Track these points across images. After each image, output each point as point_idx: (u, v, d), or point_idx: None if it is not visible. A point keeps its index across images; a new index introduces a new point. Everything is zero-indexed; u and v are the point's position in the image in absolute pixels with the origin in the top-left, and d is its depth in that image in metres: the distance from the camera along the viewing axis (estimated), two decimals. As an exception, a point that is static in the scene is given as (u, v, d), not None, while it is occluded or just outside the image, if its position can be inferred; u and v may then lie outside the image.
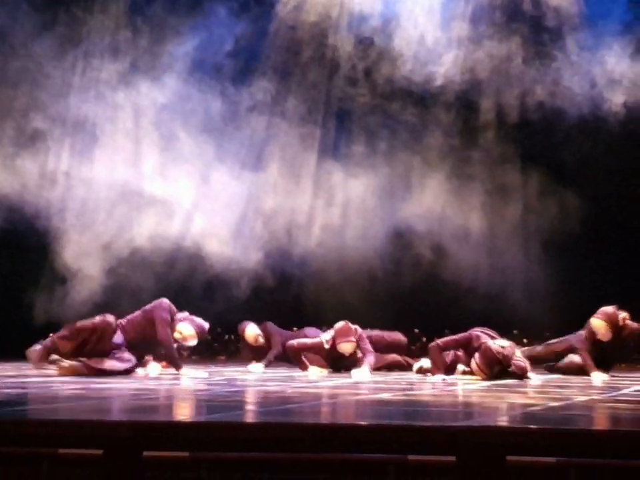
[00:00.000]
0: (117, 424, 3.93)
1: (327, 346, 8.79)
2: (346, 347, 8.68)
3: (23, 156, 10.66)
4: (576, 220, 10.77)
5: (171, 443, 3.70)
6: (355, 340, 8.66)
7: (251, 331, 9.85)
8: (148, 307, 8.32)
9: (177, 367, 8.02)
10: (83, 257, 10.49)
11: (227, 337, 12.60)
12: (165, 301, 8.31)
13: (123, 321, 8.26)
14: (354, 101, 11.32)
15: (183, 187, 10.58)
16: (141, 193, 10.49)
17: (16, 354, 10.25)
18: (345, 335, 8.69)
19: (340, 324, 8.79)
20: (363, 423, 4.10)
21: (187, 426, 3.90)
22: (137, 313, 8.35)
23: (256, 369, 8.99)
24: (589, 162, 10.75)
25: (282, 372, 8.83)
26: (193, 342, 8.35)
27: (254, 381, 7.42)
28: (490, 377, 7.52)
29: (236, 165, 10.94)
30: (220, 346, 12.56)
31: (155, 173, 10.64)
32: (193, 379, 7.56)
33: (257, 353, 9.79)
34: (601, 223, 10.67)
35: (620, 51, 10.58)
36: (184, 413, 4.80)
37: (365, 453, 3.61)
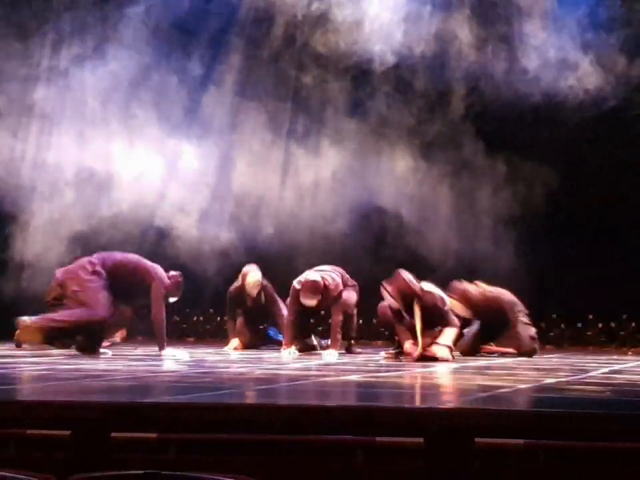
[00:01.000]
0: (84, 404, 3.90)
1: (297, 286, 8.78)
2: (308, 302, 8.71)
3: None
4: (541, 199, 10.86)
5: (139, 424, 3.68)
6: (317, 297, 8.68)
7: (255, 277, 9.59)
8: (146, 265, 8.14)
9: (161, 347, 7.94)
10: (49, 240, 10.39)
11: (195, 318, 12.59)
12: (163, 273, 8.16)
13: (105, 256, 8.13)
14: (314, 80, 11.28)
15: (150, 166, 10.48)
16: (108, 175, 10.38)
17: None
18: (309, 290, 8.70)
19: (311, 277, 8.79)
20: (330, 404, 4.10)
21: (155, 407, 3.88)
22: (129, 259, 8.17)
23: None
24: (549, 145, 10.82)
25: (252, 354, 8.83)
26: (174, 298, 8.32)
27: (223, 362, 7.41)
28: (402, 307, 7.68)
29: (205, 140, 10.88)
30: (189, 327, 12.55)
31: (121, 154, 10.53)
32: (175, 360, 7.51)
33: (249, 314, 9.61)
34: (569, 202, 10.78)
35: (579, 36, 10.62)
36: (152, 393, 4.78)
37: (333, 435, 3.61)
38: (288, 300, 8.98)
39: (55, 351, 8.46)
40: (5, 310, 9.95)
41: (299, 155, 10.96)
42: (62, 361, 7.09)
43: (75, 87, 10.72)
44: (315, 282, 8.69)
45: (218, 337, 11.99)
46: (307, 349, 9.11)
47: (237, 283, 9.80)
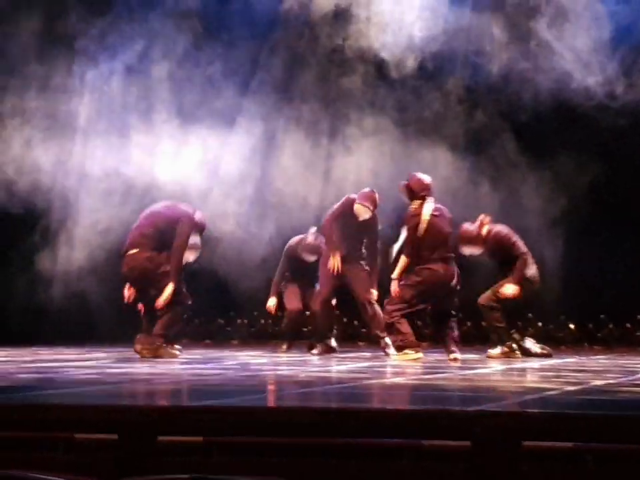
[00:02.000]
0: (131, 408, 3.93)
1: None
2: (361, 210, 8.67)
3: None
4: (586, 197, 10.80)
5: (185, 428, 3.70)
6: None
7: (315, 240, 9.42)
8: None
9: (174, 280, 7.96)
10: (95, 249, 10.49)
11: (239, 320, 12.63)
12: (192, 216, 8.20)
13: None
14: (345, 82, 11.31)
15: (191, 173, 10.51)
16: (153, 181, 10.41)
17: (29, 339, 10.33)
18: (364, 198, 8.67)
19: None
20: (376, 407, 4.09)
21: (201, 410, 3.90)
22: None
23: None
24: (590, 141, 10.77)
25: (296, 356, 8.84)
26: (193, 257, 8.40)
27: (267, 365, 7.42)
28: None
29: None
30: (233, 330, 12.58)
31: (165, 160, 10.57)
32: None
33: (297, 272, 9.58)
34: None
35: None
36: (198, 397, 4.80)
37: (379, 438, 3.60)
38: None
39: (102, 354, 8.53)
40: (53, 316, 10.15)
41: (339, 155, 10.94)
42: (109, 365, 7.15)
43: (115, 95, 10.80)
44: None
45: (262, 340, 12.03)
46: (328, 350, 9.07)
47: (296, 239, 9.69)
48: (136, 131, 10.60)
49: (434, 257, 7.88)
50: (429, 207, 7.95)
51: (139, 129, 10.60)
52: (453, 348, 7.90)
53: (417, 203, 7.98)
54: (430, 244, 7.88)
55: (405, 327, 7.89)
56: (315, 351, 9.05)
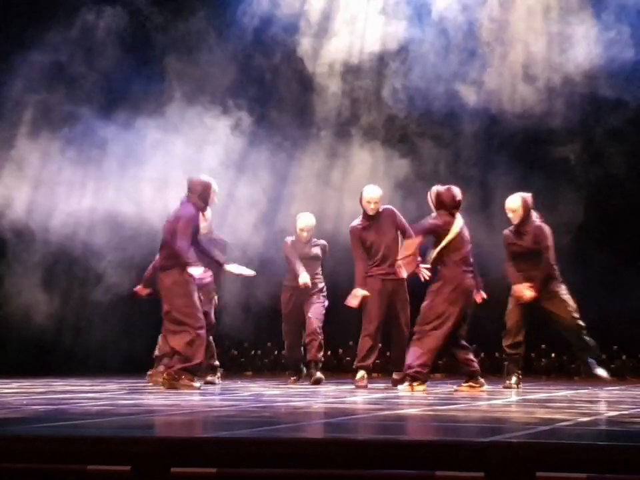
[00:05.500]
0: (145, 440, 3.92)
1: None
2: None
3: None
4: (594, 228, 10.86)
5: (199, 460, 3.69)
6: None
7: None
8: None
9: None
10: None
11: (253, 352, 12.62)
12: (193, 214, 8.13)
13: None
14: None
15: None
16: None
17: (41, 370, 10.35)
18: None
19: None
20: (390, 438, 4.09)
21: (215, 442, 3.90)
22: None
23: None
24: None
25: (306, 387, 8.83)
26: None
27: (281, 396, 7.42)
28: None
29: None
30: (247, 361, 12.58)
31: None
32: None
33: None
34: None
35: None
36: (211, 428, 4.80)
37: (393, 469, 3.59)
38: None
39: (114, 386, 8.54)
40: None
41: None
42: (122, 396, 7.15)
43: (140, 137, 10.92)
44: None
45: (275, 371, 12.02)
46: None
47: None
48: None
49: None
50: (459, 222, 7.99)
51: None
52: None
53: (442, 213, 7.98)
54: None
55: None
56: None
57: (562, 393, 8.01)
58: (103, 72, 11.24)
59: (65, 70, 11.16)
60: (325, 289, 9.46)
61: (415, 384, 7.79)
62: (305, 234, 9.38)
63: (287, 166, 11.39)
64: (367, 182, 9.25)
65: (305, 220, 9.44)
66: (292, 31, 11.33)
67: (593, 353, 8.61)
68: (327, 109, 11.56)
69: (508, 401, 6.82)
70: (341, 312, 9.22)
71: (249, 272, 8.42)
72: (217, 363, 9.11)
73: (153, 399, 6.86)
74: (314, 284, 9.33)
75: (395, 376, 8.72)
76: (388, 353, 11.29)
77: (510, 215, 8.56)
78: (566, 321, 8.48)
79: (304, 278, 9.19)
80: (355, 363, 8.72)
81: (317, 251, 9.46)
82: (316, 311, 9.27)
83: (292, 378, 9.66)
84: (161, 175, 10.49)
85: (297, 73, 11.49)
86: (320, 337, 9.20)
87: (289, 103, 11.63)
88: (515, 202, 8.55)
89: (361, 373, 8.54)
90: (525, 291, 8.40)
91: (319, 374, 9.16)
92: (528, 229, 8.51)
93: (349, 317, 9.25)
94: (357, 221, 8.74)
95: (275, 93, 11.68)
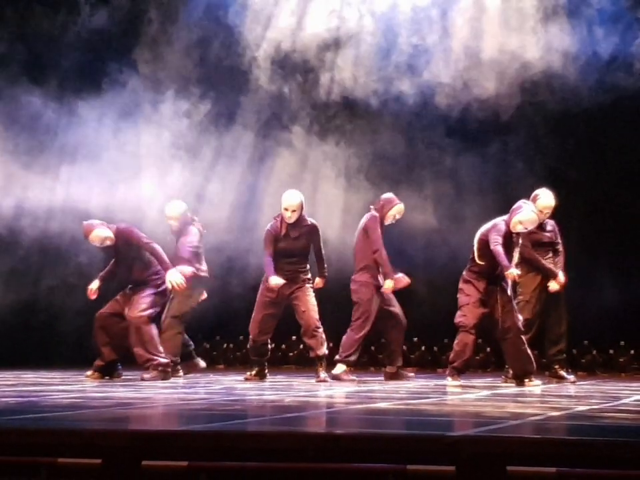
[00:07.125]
0: (115, 433, 3.91)
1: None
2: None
3: None
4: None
5: (170, 453, 3.69)
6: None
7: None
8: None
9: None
10: None
11: (225, 345, 12.60)
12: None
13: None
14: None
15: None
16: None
17: (15, 361, 10.29)
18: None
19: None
20: (361, 432, 4.09)
21: (186, 435, 3.89)
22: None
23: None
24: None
25: (281, 381, 8.82)
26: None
27: (253, 390, 7.41)
28: None
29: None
30: (218, 354, 12.55)
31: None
32: None
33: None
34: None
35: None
36: (182, 421, 4.79)
37: (364, 463, 3.60)
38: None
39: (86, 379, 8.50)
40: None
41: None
42: (93, 389, 7.12)
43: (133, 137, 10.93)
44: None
45: (247, 364, 11.99)
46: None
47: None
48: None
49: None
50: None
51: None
52: None
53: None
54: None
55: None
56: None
57: (533, 388, 8.03)
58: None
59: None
60: (310, 276, 8.71)
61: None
62: (288, 214, 8.42)
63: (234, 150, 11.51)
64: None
65: (289, 198, 8.49)
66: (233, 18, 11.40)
67: None
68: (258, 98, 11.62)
69: (479, 395, 6.84)
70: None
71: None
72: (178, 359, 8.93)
73: (124, 391, 6.83)
74: (297, 277, 8.57)
75: (387, 369, 8.81)
76: (373, 347, 11.34)
77: (548, 212, 8.56)
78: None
79: (274, 280, 8.43)
80: (338, 356, 8.56)
81: (303, 242, 8.58)
82: (308, 304, 8.52)
83: (249, 373, 8.90)
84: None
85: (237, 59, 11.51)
86: (320, 330, 8.51)
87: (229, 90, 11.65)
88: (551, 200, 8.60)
89: (344, 367, 8.54)
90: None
91: (322, 374, 8.44)
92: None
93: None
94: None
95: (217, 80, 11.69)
